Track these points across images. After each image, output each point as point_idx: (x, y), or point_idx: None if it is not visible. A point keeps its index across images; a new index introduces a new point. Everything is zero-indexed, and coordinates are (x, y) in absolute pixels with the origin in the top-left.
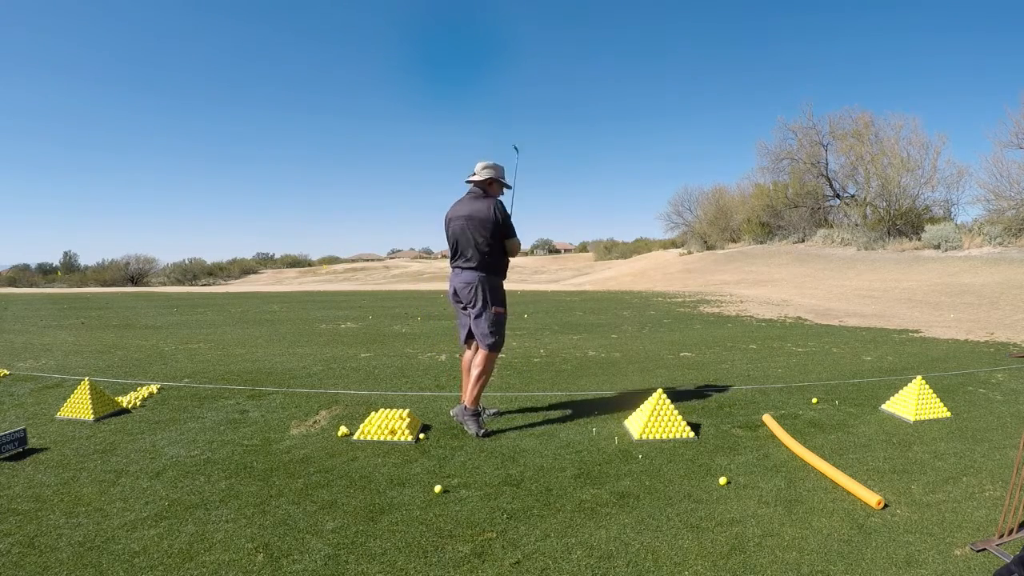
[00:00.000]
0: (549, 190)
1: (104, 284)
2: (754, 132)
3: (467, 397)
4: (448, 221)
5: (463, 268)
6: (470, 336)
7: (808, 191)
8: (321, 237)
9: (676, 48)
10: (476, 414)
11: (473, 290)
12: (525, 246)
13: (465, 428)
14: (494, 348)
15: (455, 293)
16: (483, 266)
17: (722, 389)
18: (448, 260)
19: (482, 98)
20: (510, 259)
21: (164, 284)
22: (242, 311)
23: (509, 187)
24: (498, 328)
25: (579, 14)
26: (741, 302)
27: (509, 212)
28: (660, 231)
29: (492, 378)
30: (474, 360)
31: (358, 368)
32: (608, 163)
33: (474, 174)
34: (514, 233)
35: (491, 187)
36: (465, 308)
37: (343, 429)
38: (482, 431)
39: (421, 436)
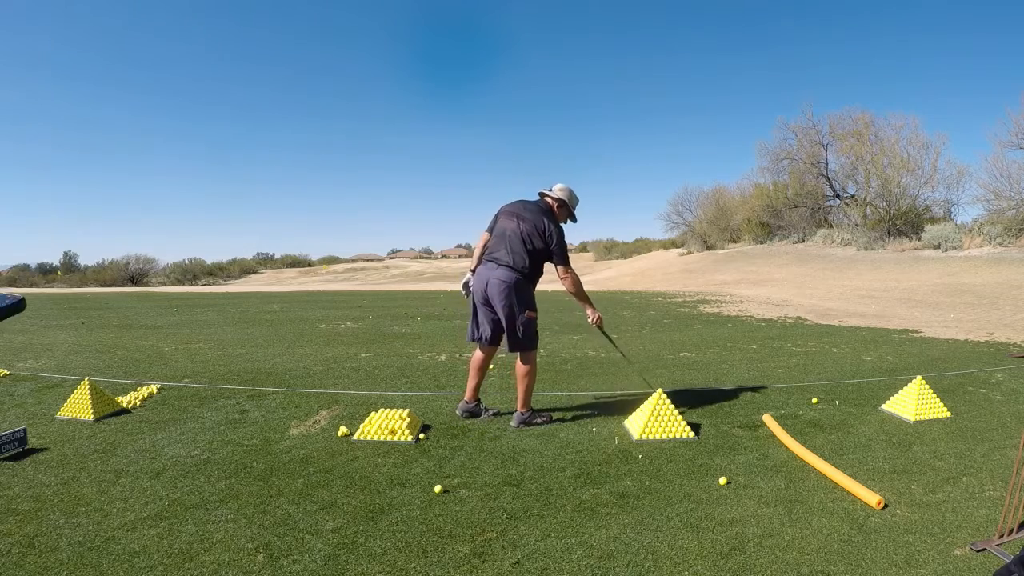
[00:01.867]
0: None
1: (104, 284)
2: (754, 132)
3: (519, 403)
4: (504, 214)
5: (500, 264)
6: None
7: (808, 191)
8: (321, 237)
9: (676, 48)
10: (533, 411)
11: (507, 290)
12: None
13: (535, 427)
14: (533, 348)
15: (486, 288)
16: (522, 270)
17: (722, 389)
18: (476, 253)
19: (482, 98)
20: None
21: (164, 284)
22: (242, 311)
23: (575, 220)
24: (533, 330)
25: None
26: (741, 302)
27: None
28: (660, 231)
29: (491, 378)
30: (518, 369)
31: (358, 368)
32: (608, 163)
33: (550, 190)
34: (567, 261)
35: (559, 209)
36: (489, 305)
37: (343, 429)
38: (547, 414)
39: (421, 436)
